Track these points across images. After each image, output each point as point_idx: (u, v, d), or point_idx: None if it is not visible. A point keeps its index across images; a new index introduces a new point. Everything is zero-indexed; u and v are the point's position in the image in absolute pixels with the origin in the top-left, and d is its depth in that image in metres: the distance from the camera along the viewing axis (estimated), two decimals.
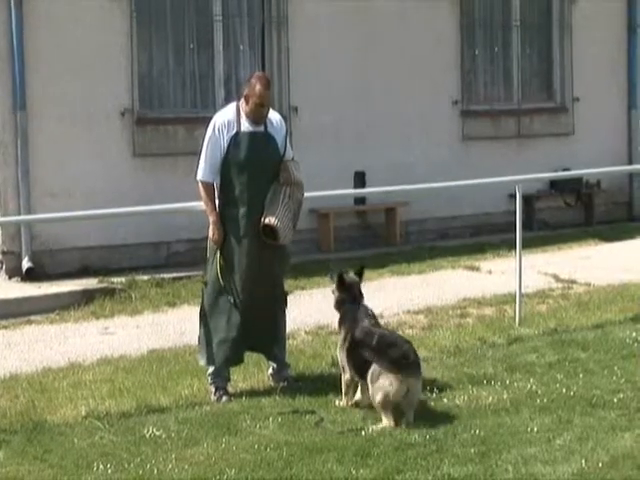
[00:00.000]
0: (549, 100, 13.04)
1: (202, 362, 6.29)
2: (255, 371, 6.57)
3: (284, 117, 11.09)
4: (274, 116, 6.24)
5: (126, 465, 5.12)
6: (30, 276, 9.62)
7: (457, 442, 5.26)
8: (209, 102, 10.87)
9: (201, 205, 6.39)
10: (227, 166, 6.08)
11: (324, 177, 10.35)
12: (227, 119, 6.09)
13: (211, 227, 6.13)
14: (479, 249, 10.88)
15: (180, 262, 10.15)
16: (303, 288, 9.25)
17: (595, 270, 9.89)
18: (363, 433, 5.44)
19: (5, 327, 8.32)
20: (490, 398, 5.98)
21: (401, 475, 4.86)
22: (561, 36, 12.94)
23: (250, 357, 6.47)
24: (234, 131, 6.05)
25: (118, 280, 9.40)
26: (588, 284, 9.32)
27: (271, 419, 5.70)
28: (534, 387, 6.15)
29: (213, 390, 6.18)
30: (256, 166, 6.04)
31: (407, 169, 11.15)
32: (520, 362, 6.71)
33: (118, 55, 10.21)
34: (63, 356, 7.28)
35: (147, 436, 5.51)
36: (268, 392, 6.23)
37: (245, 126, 6.07)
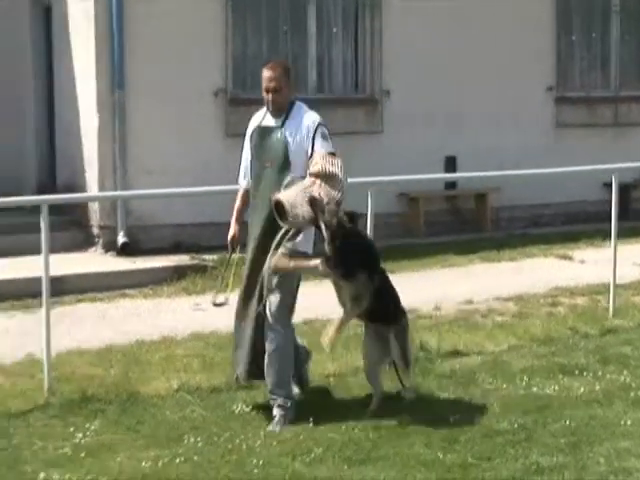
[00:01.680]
0: None
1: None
2: (343, 352, 6.55)
3: (375, 100, 11.29)
4: (304, 114, 5.56)
5: (215, 439, 5.18)
6: (125, 251, 9.80)
7: (547, 432, 5.17)
8: (301, 83, 10.87)
9: None
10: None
11: (414, 161, 10.27)
12: (255, 119, 5.72)
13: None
14: (572, 238, 10.66)
15: None
16: (392, 272, 9.18)
17: None
18: (451, 420, 5.39)
19: (101, 300, 8.49)
20: (582, 389, 5.86)
21: (490, 462, 4.80)
22: None
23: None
24: (254, 127, 5.67)
25: (209, 257, 9.50)
26: None
27: (359, 399, 5.69)
28: (628, 380, 6.01)
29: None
30: (261, 159, 5.59)
31: (499, 155, 10.97)
32: (613, 354, 6.56)
33: (213, 37, 10.31)
34: (156, 330, 7.39)
35: (236, 412, 5.56)
36: (355, 373, 6.21)
37: (265, 122, 5.62)
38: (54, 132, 11.41)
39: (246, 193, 5.76)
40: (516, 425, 5.25)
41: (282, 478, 4.67)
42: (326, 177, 5.33)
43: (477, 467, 4.75)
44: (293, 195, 5.30)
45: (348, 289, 5.44)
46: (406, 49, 11.03)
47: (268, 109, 5.59)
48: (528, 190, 11.12)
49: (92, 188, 10.07)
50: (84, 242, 10.06)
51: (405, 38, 11.01)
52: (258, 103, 10.37)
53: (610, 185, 7.73)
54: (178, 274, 9.12)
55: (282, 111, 5.55)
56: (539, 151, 11.33)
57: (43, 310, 5.99)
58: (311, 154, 5.45)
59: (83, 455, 4.99)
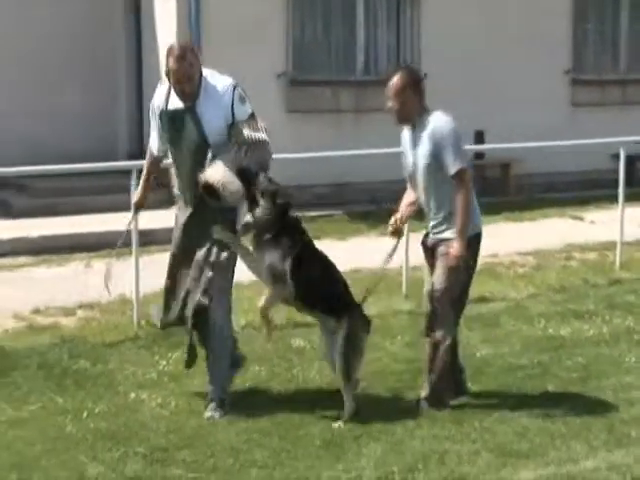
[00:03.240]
0: None
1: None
2: (383, 296, 6.47)
3: None
4: (216, 83, 4.53)
5: (276, 369, 5.17)
6: None
7: (561, 367, 5.09)
8: (350, 66, 10.82)
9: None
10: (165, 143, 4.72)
11: None
12: (159, 96, 4.64)
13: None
14: (584, 202, 10.39)
15: (323, 203, 10.13)
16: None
17: None
18: (478, 355, 5.31)
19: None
20: (591, 331, 5.75)
21: (511, 392, 4.73)
22: None
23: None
24: (160, 109, 4.61)
25: None
26: None
27: (399, 338, 5.63)
28: (631, 324, 5.88)
29: None
30: (179, 144, 4.56)
31: (522, 129, 10.73)
32: (619, 301, 6.42)
33: (277, 25, 10.19)
34: None
35: (294, 346, 5.54)
36: (395, 314, 6.16)
37: (172, 103, 4.55)
38: (143, 108, 11.43)
39: (155, 160, 4.84)
40: (535, 361, 5.17)
41: (331, 401, 4.64)
42: (253, 144, 4.46)
43: (499, 397, 4.68)
44: (221, 172, 4.32)
45: (267, 259, 4.35)
46: (442, 35, 10.84)
47: (181, 98, 4.50)
48: (547, 160, 10.86)
49: None
50: (167, 201, 10.03)
51: (441, 26, 10.83)
52: (314, 84, 10.52)
53: (618, 156, 7.55)
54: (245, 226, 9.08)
55: (193, 95, 4.48)
56: (557, 126, 11.07)
57: (133, 258, 6.02)
58: (232, 122, 4.47)
59: (166, 379, 5.03)
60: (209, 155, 4.44)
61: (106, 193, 9.59)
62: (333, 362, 4.42)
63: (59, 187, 9.66)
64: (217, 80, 4.54)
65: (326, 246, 7.72)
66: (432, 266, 4.54)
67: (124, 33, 11.61)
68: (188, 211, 4.63)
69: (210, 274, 4.51)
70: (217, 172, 4.32)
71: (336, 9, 10.74)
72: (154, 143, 4.78)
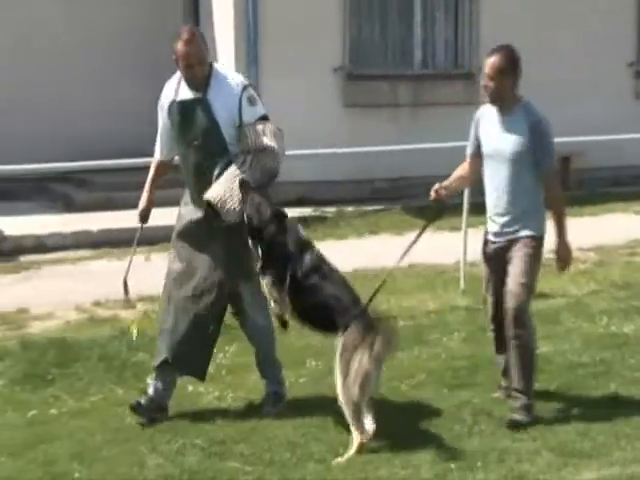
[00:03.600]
0: None
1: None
2: (441, 293, 6.43)
3: (471, 75, 10.98)
4: (226, 77, 4.37)
5: (333, 363, 5.13)
6: None
7: (624, 366, 4.96)
8: (408, 60, 10.73)
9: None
10: (173, 141, 4.56)
11: None
12: (168, 90, 4.50)
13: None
14: None
15: (381, 197, 10.09)
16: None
17: None
18: (537, 353, 5.20)
19: None
20: None
21: (572, 392, 4.64)
22: None
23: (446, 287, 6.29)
24: (170, 102, 4.45)
25: (329, 210, 9.48)
26: None
27: (456, 334, 5.57)
28: None
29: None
30: (187, 136, 4.38)
31: (584, 122, 10.52)
32: None
33: (333, 22, 10.16)
34: None
35: None
36: (452, 310, 6.09)
37: (182, 94, 4.39)
38: None
39: (161, 164, 4.70)
40: (597, 359, 5.06)
41: (390, 397, 4.62)
42: (259, 151, 4.25)
43: (560, 396, 4.60)
44: (222, 190, 4.20)
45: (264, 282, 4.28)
46: (500, 30, 10.58)
47: (190, 85, 4.34)
48: (609, 153, 10.62)
49: None
50: None
51: (499, 21, 10.64)
52: (371, 79, 10.47)
53: None
54: (302, 223, 9.08)
55: (204, 82, 4.32)
56: (620, 119, 10.80)
57: None
58: (239, 124, 4.27)
59: (223, 372, 5.07)
60: (216, 172, 4.26)
61: (163, 188, 9.70)
62: None
63: (118, 182, 9.80)
64: (228, 72, 4.43)
65: (383, 241, 7.78)
66: (496, 273, 4.35)
67: None
68: (198, 213, 4.45)
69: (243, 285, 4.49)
70: (217, 190, 4.23)
71: (393, 2, 10.68)
72: (159, 147, 4.65)
